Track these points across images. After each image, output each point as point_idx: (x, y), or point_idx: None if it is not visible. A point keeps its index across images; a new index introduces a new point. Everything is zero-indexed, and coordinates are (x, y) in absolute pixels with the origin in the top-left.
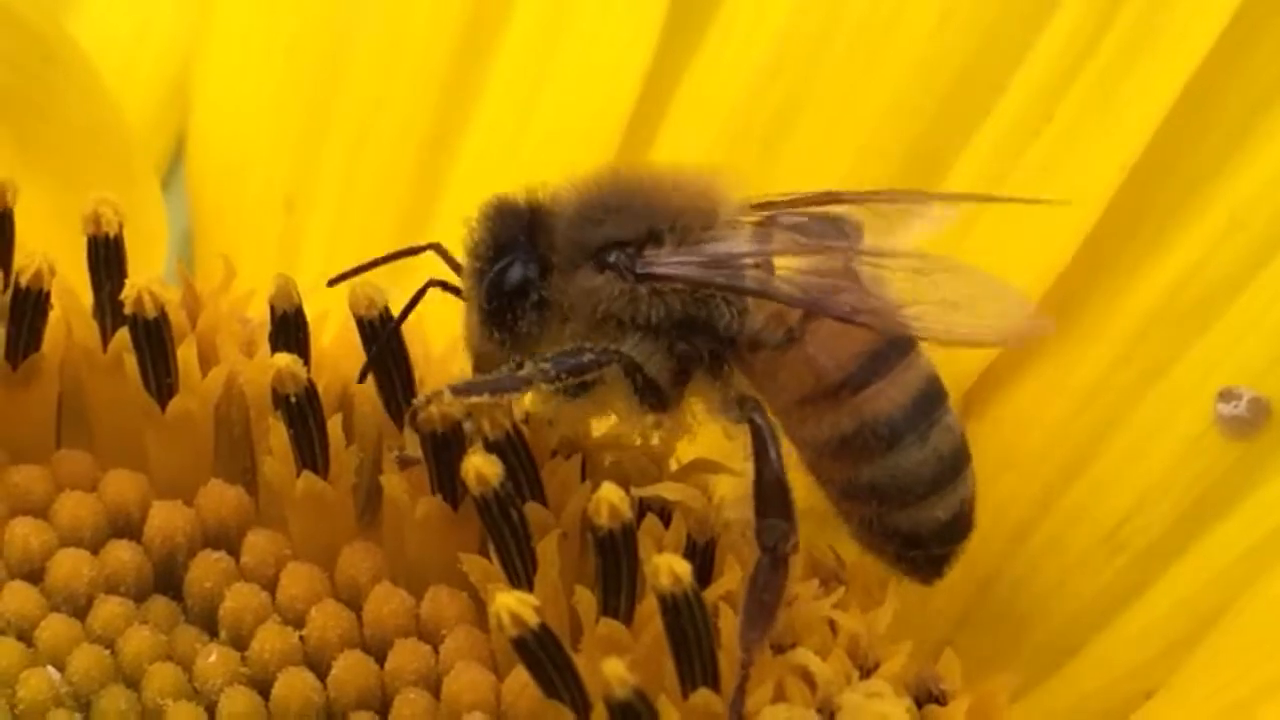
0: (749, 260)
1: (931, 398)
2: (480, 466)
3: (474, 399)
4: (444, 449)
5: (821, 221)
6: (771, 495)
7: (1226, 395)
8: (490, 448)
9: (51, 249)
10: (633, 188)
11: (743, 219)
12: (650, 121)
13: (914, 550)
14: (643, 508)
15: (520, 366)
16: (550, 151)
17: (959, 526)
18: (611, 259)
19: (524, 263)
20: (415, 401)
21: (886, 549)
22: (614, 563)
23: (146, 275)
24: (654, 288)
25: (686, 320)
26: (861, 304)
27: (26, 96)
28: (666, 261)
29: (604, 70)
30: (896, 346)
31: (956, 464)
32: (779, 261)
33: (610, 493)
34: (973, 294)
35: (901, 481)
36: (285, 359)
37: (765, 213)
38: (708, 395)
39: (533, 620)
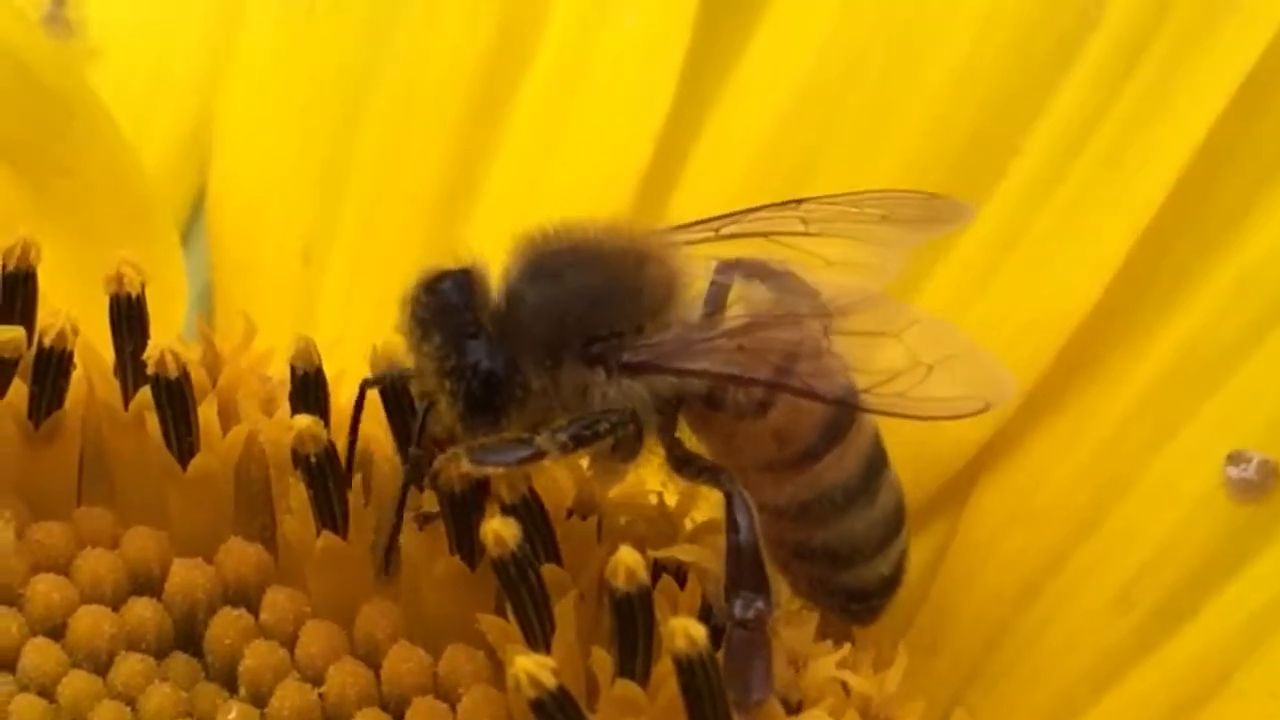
0: (729, 343)
1: (878, 459)
2: (499, 529)
3: (490, 469)
4: (461, 510)
5: (782, 277)
6: (744, 567)
7: (1235, 458)
8: (507, 510)
9: (71, 302)
10: (599, 264)
11: (703, 274)
12: (669, 176)
13: (857, 604)
14: (658, 569)
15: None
16: (566, 205)
17: (897, 578)
18: (597, 351)
19: (490, 356)
20: (435, 463)
21: (831, 604)
22: (630, 625)
23: (168, 334)
24: (646, 379)
25: (670, 395)
26: (849, 387)
27: (49, 153)
28: (657, 353)
29: (621, 124)
30: (847, 412)
31: (899, 521)
32: (753, 336)
33: (628, 556)
34: (946, 354)
35: (853, 543)
36: (306, 420)
37: (718, 233)
38: (660, 449)
39: (550, 683)
